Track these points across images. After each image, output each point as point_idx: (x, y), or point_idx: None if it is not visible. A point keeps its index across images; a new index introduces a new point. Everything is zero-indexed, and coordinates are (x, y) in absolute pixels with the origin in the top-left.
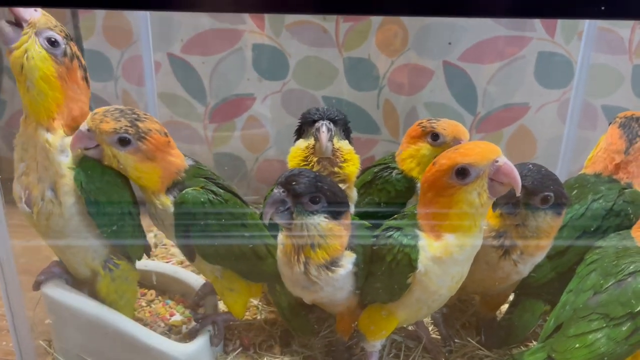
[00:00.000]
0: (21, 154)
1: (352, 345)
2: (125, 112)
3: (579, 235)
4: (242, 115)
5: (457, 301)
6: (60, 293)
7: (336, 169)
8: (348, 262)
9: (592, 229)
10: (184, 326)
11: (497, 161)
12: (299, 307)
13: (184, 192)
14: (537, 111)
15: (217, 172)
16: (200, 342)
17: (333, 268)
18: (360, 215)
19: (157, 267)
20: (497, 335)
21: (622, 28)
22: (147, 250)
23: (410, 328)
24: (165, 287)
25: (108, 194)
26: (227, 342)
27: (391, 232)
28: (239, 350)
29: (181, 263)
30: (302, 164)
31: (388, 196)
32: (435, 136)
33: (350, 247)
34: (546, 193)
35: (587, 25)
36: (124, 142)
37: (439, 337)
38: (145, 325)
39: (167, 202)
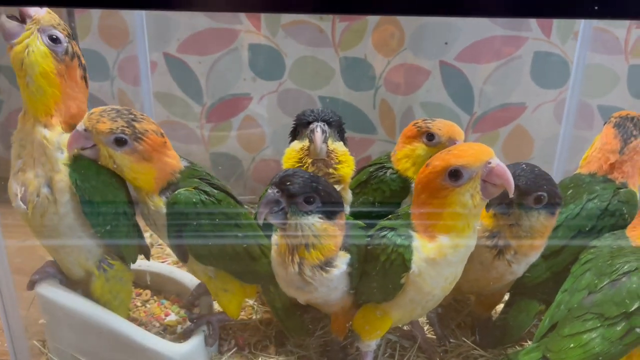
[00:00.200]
0: (19, 151)
1: (347, 345)
2: (122, 112)
3: (574, 235)
4: (238, 115)
5: (452, 301)
6: (54, 293)
7: (331, 171)
8: (342, 262)
9: (587, 229)
10: (179, 326)
11: (489, 163)
12: (294, 308)
13: (176, 192)
14: (534, 111)
15: (213, 172)
16: (195, 342)
17: (327, 268)
18: (355, 215)
19: (152, 267)
20: (492, 335)
21: (618, 28)
22: (146, 252)
23: (405, 328)
24: (161, 287)
25: (103, 193)
26: (222, 342)
27: (385, 232)
28: (234, 350)
29: (176, 263)
30: (296, 166)
31: (383, 196)
32: (430, 136)
33: (345, 248)
34: (539, 193)
35: (582, 25)
36: (120, 142)
37: (434, 336)
38: (140, 325)
39: (159, 203)
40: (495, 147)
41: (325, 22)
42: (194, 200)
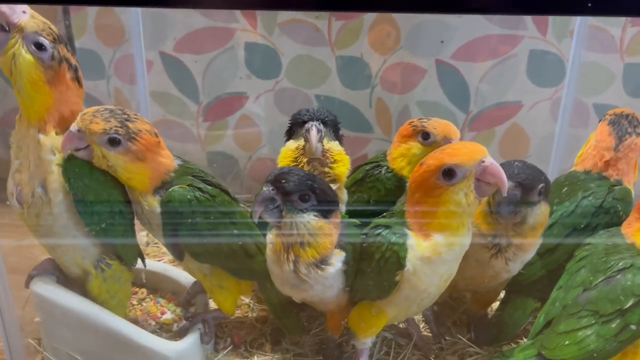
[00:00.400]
0: (16, 152)
1: (342, 343)
2: (115, 112)
3: (568, 233)
4: (235, 113)
5: (448, 299)
6: (49, 291)
7: (326, 170)
8: (337, 260)
9: (582, 226)
10: (175, 324)
11: (483, 161)
12: (290, 305)
13: (170, 190)
14: (530, 109)
15: (210, 171)
16: (191, 340)
17: (323, 266)
18: (351, 213)
19: (148, 265)
20: (488, 333)
21: (613, 26)
22: (139, 255)
23: (401, 325)
24: (157, 285)
25: (97, 191)
26: (218, 340)
27: (380, 230)
28: (230, 348)
29: (173, 261)
30: (292, 165)
31: (378, 194)
32: (426, 135)
33: (340, 246)
34: (541, 185)
35: (578, 23)
36: (114, 142)
37: (429, 334)
38: (136, 323)
39: (154, 202)
40: (492, 146)
41: (321, 21)
42: (188, 197)
